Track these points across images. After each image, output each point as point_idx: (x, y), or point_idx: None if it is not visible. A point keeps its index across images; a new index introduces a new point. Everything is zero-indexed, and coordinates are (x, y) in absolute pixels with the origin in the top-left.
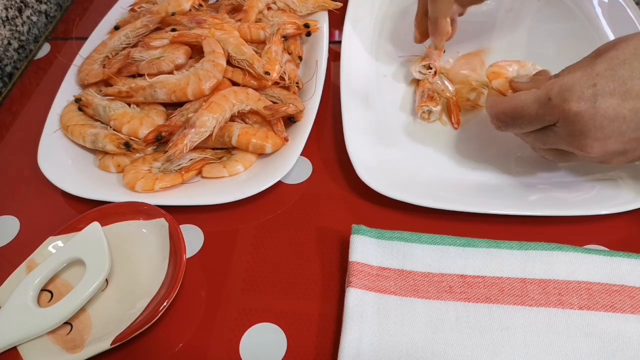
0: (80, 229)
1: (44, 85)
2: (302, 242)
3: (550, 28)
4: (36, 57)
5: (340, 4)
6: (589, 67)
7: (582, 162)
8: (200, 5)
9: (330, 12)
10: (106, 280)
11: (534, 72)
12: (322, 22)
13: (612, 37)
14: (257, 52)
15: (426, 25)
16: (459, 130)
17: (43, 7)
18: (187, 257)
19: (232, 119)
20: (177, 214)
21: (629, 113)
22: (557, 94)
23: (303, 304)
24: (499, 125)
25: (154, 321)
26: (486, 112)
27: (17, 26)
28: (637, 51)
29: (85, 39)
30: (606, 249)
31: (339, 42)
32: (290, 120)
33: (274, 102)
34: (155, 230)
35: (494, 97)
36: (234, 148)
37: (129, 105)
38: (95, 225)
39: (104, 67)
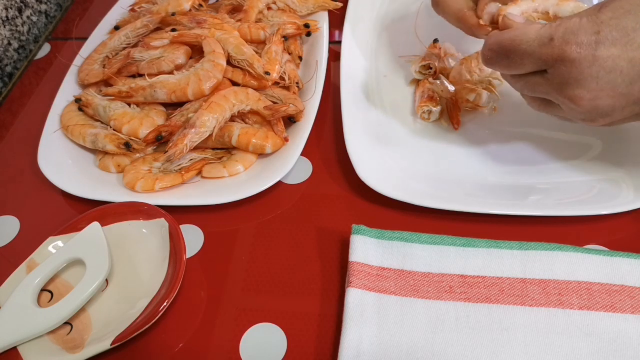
0: (80, 229)
1: (44, 85)
2: (302, 242)
3: None
4: (36, 57)
5: (340, 4)
6: (594, 15)
7: (565, 118)
8: (200, 5)
9: (330, 12)
10: (106, 280)
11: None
12: (322, 22)
13: None
14: (257, 52)
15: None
16: (459, 131)
17: (43, 7)
18: (187, 257)
19: (232, 119)
20: (177, 214)
21: (626, 65)
22: (561, 35)
23: (303, 304)
24: (489, 57)
25: (154, 321)
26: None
27: (17, 26)
28: None
29: (85, 39)
30: (606, 249)
31: (339, 42)
32: (290, 120)
33: (274, 102)
34: (155, 230)
35: (496, 31)
36: (234, 148)
37: (129, 105)
38: (95, 225)
39: (104, 67)
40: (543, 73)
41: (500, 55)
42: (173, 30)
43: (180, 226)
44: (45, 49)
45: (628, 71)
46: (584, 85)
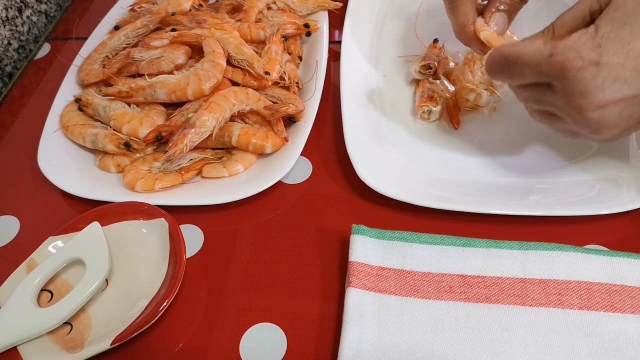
0: (80, 229)
1: (44, 85)
2: (302, 242)
3: None
4: (36, 57)
5: (340, 4)
6: (593, 32)
7: (567, 131)
8: (200, 5)
9: (330, 12)
10: (106, 280)
11: None
12: (322, 22)
13: None
14: (257, 52)
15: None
16: (459, 131)
17: (43, 7)
18: (187, 257)
19: (232, 119)
20: (177, 214)
21: (630, 74)
22: (560, 51)
23: (303, 304)
24: (491, 68)
25: (154, 321)
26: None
27: (17, 26)
28: (635, 10)
29: (85, 39)
30: (606, 249)
31: (339, 42)
32: (290, 120)
33: (274, 102)
34: (155, 230)
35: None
36: (234, 148)
37: (129, 105)
38: (95, 225)
39: (104, 67)
40: (548, 85)
41: (500, 64)
42: (173, 30)
43: (180, 226)
44: (45, 49)
45: (633, 80)
46: (589, 96)
